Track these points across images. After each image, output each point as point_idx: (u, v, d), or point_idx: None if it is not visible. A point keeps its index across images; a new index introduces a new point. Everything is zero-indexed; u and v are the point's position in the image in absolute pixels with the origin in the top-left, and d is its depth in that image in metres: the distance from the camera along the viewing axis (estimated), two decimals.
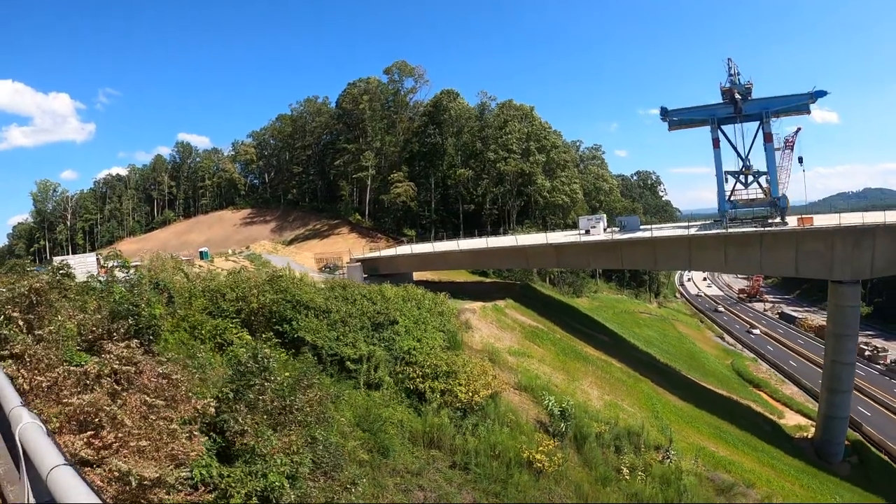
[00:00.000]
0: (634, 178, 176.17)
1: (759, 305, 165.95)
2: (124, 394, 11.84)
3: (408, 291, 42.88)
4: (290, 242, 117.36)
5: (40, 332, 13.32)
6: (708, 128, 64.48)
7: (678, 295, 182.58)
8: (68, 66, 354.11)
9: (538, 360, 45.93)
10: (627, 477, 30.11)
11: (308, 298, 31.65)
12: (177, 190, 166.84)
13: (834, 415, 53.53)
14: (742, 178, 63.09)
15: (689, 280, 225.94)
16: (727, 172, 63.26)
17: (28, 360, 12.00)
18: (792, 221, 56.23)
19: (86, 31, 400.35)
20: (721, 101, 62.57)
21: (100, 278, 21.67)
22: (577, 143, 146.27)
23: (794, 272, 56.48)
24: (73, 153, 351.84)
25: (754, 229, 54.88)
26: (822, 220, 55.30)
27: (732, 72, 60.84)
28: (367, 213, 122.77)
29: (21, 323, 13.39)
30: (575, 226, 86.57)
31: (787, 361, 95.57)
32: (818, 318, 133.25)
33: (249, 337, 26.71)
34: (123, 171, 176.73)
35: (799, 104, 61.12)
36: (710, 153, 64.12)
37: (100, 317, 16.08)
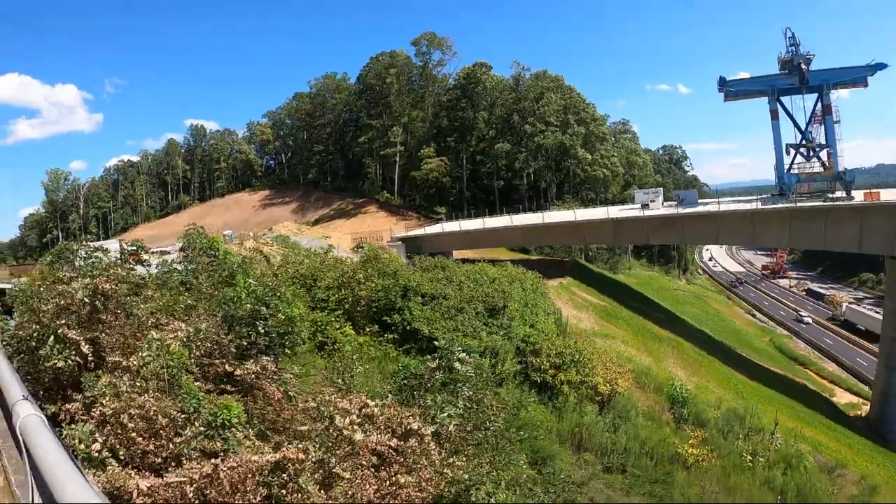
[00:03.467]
0: (661, 152, 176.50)
1: (783, 282, 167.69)
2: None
3: (508, 271, 40.16)
4: (316, 223, 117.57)
5: (121, 358, 9.37)
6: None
7: (701, 271, 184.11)
8: (74, 57, 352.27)
9: (622, 342, 47.32)
10: (751, 463, 30.18)
11: (415, 283, 29.35)
12: (191, 174, 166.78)
13: (893, 392, 54.72)
14: (804, 150, 64.58)
15: (710, 258, 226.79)
16: (788, 145, 64.87)
17: (121, 424, 8.02)
18: (858, 196, 57.43)
19: (89, 20, 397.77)
20: (779, 72, 64.16)
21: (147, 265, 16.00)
22: (605, 117, 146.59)
23: (857, 248, 57.75)
24: (82, 143, 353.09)
25: (822, 203, 56.54)
26: (887, 196, 56.10)
27: (794, 42, 62.20)
28: (395, 190, 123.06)
29: (85, 348, 9.46)
30: (614, 201, 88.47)
31: (822, 338, 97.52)
32: (845, 295, 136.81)
33: (353, 332, 24.50)
34: (135, 158, 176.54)
35: (857, 77, 63.53)
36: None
37: (209, 325, 11.18)
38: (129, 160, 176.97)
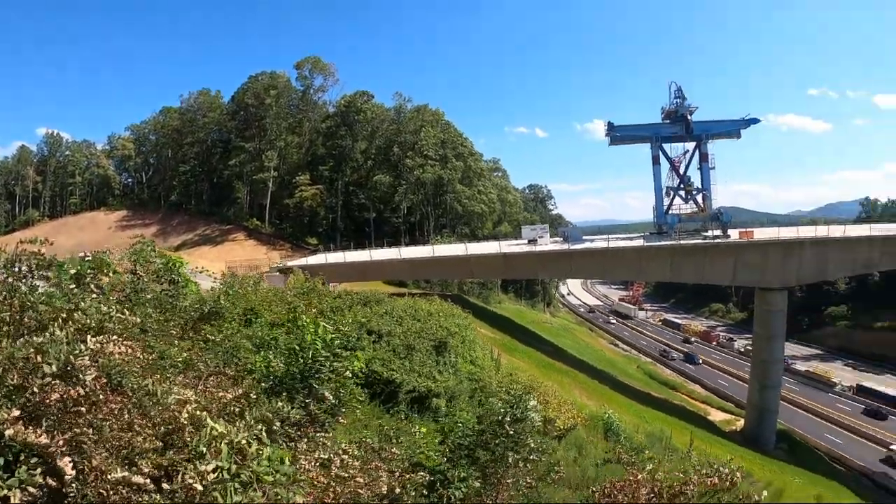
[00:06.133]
0: (527, 191, 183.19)
1: (640, 314, 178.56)
2: None
3: (435, 304, 37.20)
4: (178, 249, 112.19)
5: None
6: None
7: (560, 305, 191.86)
8: None
9: (531, 376, 48.71)
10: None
11: (365, 319, 27.39)
12: (42, 186, 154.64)
13: (767, 407, 62.88)
14: (682, 193, 70.06)
15: (567, 293, 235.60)
16: (668, 188, 70.18)
17: None
18: (734, 234, 64.63)
19: None
20: (662, 121, 69.86)
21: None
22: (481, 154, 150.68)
23: (731, 281, 66.56)
24: None
25: (703, 241, 62.78)
26: (761, 234, 65.29)
27: (679, 94, 67.98)
28: (266, 218, 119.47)
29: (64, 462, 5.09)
30: (489, 236, 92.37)
31: (684, 365, 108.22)
32: (697, 324, 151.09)
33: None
34: None
35: (732, 129, 70.59)
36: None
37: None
38: None
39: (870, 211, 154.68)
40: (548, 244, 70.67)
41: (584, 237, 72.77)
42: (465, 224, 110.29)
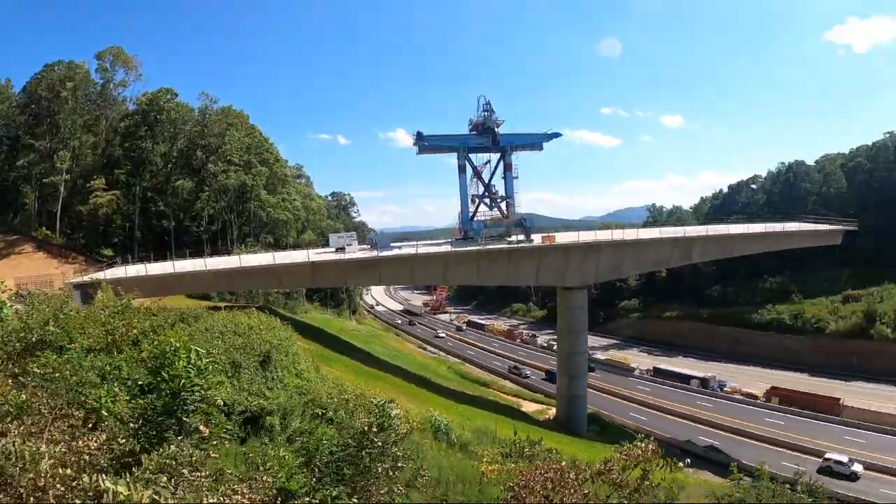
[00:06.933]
0: (330, 198, 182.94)
1: (444, 317, 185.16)
2: None
3: (254, 318, 35.84)
4: None
5: None
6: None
7: (366, 312, 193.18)
8: None
9: (350, 384, 49.11)
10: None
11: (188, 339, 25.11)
12: None
13: (577, 394, 69.49)
14: (487, 201, 73.69)
15: (369, 296, 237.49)
16: (474, 195, 73.51)
17: None
18: (537, 239, 69.43)
19: None
20: (469, 133, 73.21)
21: None
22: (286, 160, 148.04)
23: (534, 282, 71.89)
24: None
25: (508, 246, 66.81)
26: (562, 238, 71.49)
27: (488, 108, 71.62)
28: (57, 227, 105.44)
29: None
30: (295, 245, 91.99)
31: (491, 362, 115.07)
32: (501, 324, 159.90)
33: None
34: None
35: (535, 142, 75.62)
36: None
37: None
38: None
39: (657, 216, 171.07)
40: (356, 251, 70.44)
41: (392, 244, 73.97)
42: (270, 232, 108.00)
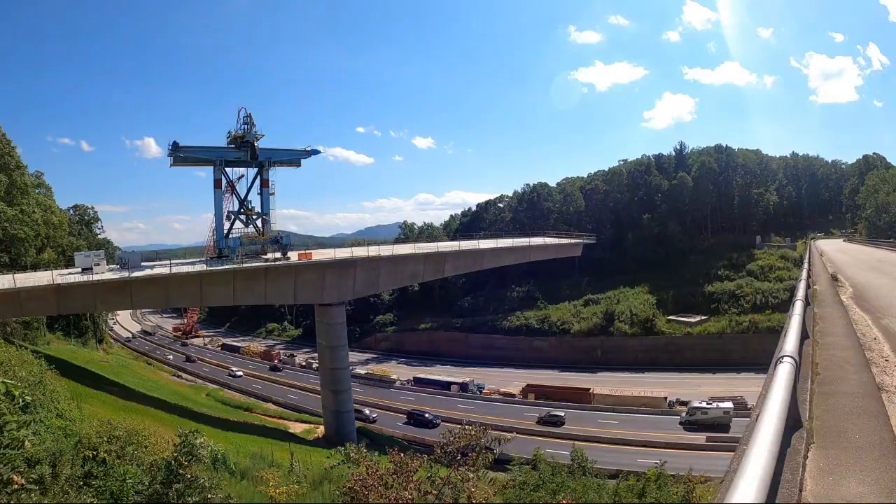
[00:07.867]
0: (72, 212, 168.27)
1: (198, 341, 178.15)
2: None
3: (3, 352, 35.71)
4: None
5: None
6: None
7: (112, 340, 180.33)
8: None
9: (125, 421, 46.01)
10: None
11: None
12: None
13: (343, 409, 69.54)
14: (243, 217, 72.17)
15: (115, 323, 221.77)
16: (230, 212, 71.69)
17: None
18: (294, 256, 69.51)
19: None
20: (228, 146, 71.21)
21: None
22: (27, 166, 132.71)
23: (293, 299, 71.68)
24: None
25: (265, 264, 65.87)
26: (319, 255, 71.76)
27: (248, 121, 70.15)
28: None
29: None
30: (35, 266, 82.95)
31: (251, 385, 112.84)
32: (256, 345, 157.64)
33: None
34: None
35: (293, 158, 76.29)
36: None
37: None
38: None
39: (408, 233, 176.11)
40: (105, 272, 64.63)
41: (143, 263, 69.54)
42: (6, 251, 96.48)
